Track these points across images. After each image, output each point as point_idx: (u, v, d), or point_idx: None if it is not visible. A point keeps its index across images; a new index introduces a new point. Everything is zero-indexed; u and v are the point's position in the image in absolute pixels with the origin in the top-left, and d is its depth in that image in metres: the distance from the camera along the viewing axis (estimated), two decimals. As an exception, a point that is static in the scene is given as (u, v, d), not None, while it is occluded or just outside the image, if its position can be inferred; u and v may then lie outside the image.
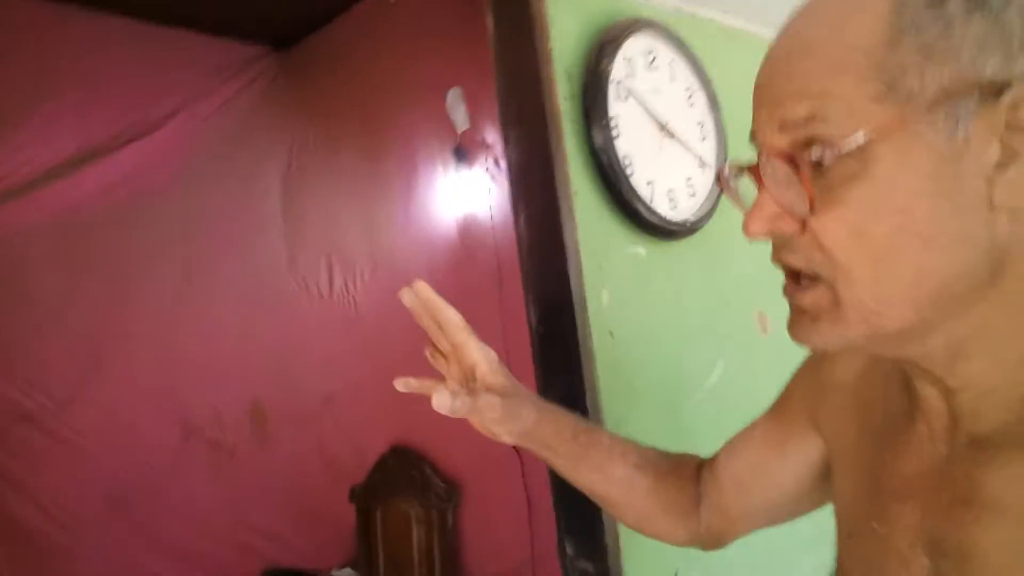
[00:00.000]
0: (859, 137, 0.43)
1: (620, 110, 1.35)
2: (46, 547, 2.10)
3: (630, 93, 1.37)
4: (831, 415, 0.66)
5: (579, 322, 1.21)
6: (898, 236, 0.44)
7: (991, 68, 0.42)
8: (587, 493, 0.83)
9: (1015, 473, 0.45)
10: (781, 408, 0.74)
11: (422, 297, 0.80)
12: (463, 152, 2.34)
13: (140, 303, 2.20)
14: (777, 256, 0.51)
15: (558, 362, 1.25)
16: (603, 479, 0.80)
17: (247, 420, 2.36)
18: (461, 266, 2.35)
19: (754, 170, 0.49)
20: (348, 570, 2.54)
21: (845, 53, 0.44)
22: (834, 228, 0.45)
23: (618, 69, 1.34)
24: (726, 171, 0.54)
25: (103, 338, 2.15)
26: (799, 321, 0.50)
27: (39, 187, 2.04)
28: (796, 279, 0.50)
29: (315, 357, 2.42)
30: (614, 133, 1.32)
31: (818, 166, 0.45)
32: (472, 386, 0.80)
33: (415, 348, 2.75)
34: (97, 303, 2.14)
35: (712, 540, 0.81)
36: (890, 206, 0.44)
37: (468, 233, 2.37)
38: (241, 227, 2.36)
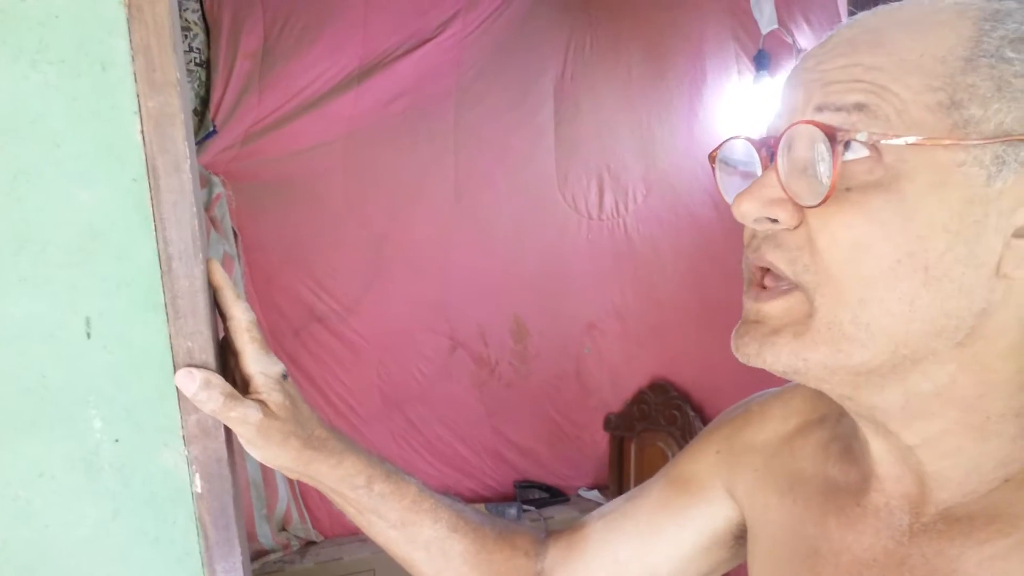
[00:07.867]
0: (904, 141, 0.40)
1: None
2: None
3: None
4: (747, 478, 0.61)
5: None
6: (905, 263, 0.41)
7: None
8: (389, 554, 0.70)
9: (995, 552, 0.41)
10: (686, 471, 0.67)
11: (214, 283, 0.62)
12: (766, 59, 2.00)
13: (416, 218, 2.24)
14: (753, 250, 0.46)
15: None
16: (404, 539, 0.68)
17: (509, 338, 2.38)
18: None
19: (770, 144, 0.45)
20: (596, 492, 2.54)
21: (918, 56, 0.41)
22: (839, 231, 0.41)
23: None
24: (734, 146, 0.49)
25: (384, 250, 2.22)
26: (751, 331, 0.45)
27: (328, 101, 2.10)
28: (762, 282, 0.46)
29: (580, 280, 2.36)
30: None
31: (843, 162, 0.41)
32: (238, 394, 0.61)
33: (686, 281, 2.53)
34: (379, 216, 2.20)
35: None
36: (908, 228, 0.40)
37: (765, 157, 2.05)
38: (512, 141, 2.28)
